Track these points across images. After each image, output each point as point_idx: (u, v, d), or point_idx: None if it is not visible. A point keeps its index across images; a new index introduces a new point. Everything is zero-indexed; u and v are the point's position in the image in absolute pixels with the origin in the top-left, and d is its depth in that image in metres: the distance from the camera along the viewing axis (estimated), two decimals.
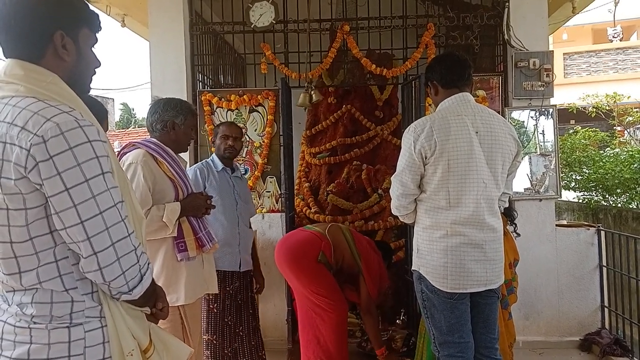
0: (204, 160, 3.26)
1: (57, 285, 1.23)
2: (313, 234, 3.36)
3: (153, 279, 1.40)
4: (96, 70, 1.42)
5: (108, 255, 1.21)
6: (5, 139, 1.17)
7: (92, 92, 1.66)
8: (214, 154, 3.25)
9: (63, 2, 1.30)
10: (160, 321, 2.35)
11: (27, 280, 1.22)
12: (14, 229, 1.20)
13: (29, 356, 1.20)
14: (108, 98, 18.21)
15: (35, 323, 1.22)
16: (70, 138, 1.16)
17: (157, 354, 1.38)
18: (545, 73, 4.04)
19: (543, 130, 4.15)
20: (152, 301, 1.43)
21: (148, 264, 1.32)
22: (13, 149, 1.16)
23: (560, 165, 4.29)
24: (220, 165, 3.16)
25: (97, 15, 1.39)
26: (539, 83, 4.06)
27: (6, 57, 1.29)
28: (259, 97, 4.24)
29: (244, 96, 4.24)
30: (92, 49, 1.39)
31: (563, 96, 10.64)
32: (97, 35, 1.40)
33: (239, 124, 3.60)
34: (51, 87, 1.26)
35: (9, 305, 1.26)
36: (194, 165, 3.20)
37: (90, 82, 1.42)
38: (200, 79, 4.45)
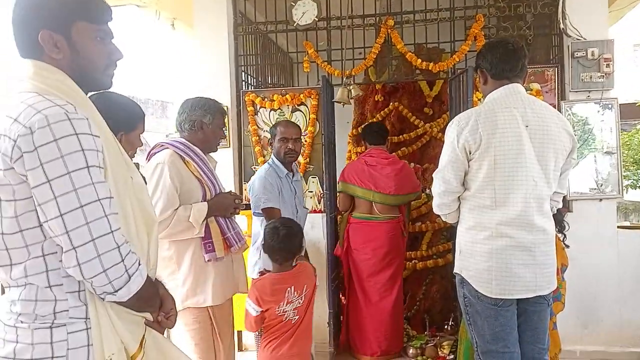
0: (268, 165, 3.09)
1: (42, 281, 1.22)
2: (392, 223, 3.91)
3: (155, 284, 1.35)
4: (116, 62, 1.39)
5: (87, 251, 1.17)
6: (1, 132, 1.19)
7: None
8: (273, 157, 3.11)
9: (46, 0, 1.28)
10: (189, 323, 2.32)
11: (16, 273, 1.23)
12: (5, 220, 1.21)
13: (15, 355, 1.20)
14: (167, 102, 18.81)
15: (21, 322, 1.22)
16: (56, 130, 1.15)
17: None
18: (605, 63, 3.75)
19: (609, 127, 3.85)
20: (154, 307, 1.37)
21: (138, 265, 1.26)
22: (5, 140, 1.17)
23: (626, 164, 3.99)
24: (284, 170, 3.05)
25: (100, 5, 1.34)
26: (598, 74, 3.78)
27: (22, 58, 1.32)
28: (301, 96, 4.18)
29: (287, 95, 4.19)
30: (101, 40, 1.34)
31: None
32: (105, 26, 1.35)
33: None
34: (56, 83, 1.26)
35: (6, 302, 1.26)
36: (266, 171, 3.03)
37: (106, 75, 1.38)
38: (244, 79, 4.44)
